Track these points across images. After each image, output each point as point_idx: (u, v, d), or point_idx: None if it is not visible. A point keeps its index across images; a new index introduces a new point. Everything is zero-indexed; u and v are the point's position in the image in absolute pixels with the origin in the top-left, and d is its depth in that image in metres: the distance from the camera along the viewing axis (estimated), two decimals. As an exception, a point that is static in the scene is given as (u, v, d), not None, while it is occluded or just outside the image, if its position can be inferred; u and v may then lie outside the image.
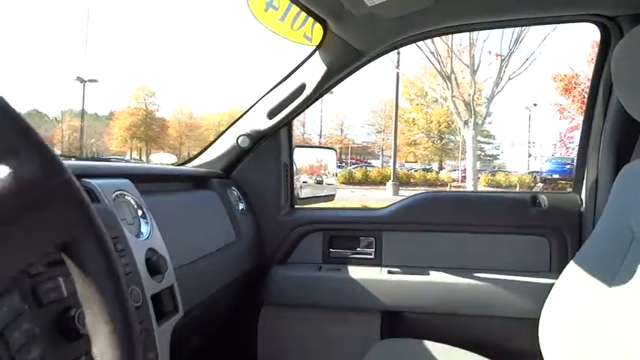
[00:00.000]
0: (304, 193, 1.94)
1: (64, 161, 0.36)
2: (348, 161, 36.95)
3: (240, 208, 1.49)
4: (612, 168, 1.32)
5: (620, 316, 0.89)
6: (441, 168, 33.59)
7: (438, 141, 32.64)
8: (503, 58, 14.20)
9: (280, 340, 1.57)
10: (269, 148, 1.57)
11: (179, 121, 37.06)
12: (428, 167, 33.32)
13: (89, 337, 0.39)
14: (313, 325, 1.55)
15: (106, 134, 36.37)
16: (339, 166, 31.21)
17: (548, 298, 1.11)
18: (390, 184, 19.43)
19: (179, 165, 1.63)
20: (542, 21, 1.39)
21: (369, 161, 37.54)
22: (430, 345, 1.23)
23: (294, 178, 1.83)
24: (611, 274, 0.97)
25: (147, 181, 1.08)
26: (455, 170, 29.45)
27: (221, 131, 1.60)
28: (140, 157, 34.68)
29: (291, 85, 1.46)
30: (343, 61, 1.39)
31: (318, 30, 1.32)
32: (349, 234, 1.60)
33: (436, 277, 1.47)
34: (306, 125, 38.47)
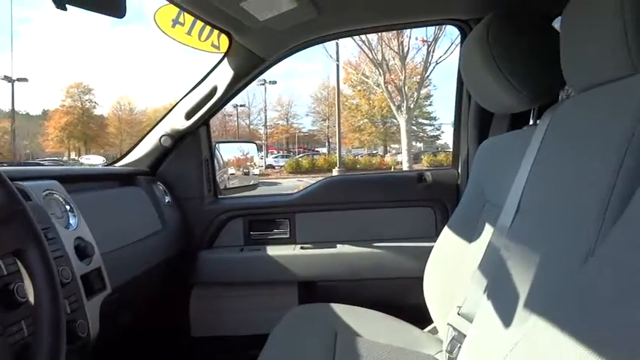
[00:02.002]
0: (232, 183, 2.14)
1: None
2: (296, 150, 37.06)
3: (167, 201, 1.66)
4: (476, 146, 1.58)
5: (476, 265, 1.07)
6: (385, 152, 34.23)
7: (381, 125, 33.27)
8: (429, 43, 14.82)
9: (212, 315, 1.76)
10: (190, 146, 1.74)
11: (119, 118, 35.78)
12: (374, 152, 33.96)
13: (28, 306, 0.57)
14: (239, 300, 1.75)
15: (41, 135, 34.61)
16: (286, 156, 31.34)
17: (429, 258, 1.36)
18: (335, 170, 19.83)
19: (108, 165, 1.77)
20: (412, 25, 1.64)
21: (316, 149, 37.81)
22: (336, 307, 1.44)
23: (222, 170, 2.02)
24: (471, 232, 1.21)
25: (75, 181, 1.24)
26: (400, 153, 30.15)
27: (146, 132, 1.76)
28: (78, 158, 33.36)
29: (205, 89, 1.64)
30: (248, 66, 1.59)
31: (225, 39, 1.50)
32: (266, 218, 1.81)
33: (342, 249, 1.71)
34: (251, 116, 38.24)
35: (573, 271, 0.62)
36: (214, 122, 37.71)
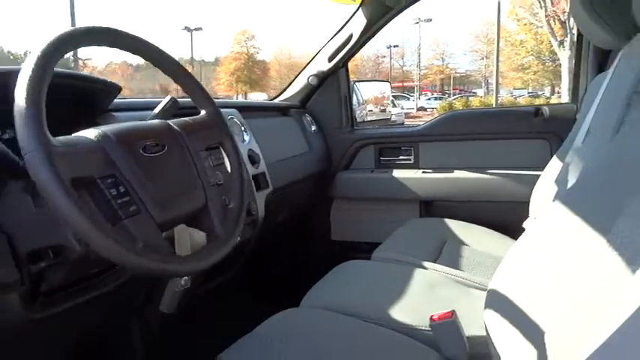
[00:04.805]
0: (370, 118, 2.52)
1: None
2: (451, 92, 35.66)
3: (313, 129, 2.07)
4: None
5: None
6: (552, 93, 30.78)
7: (550, 63, 29.80)
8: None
9: (347, 224, 2.17)
10: (332, 84, 2.11)
11: (279, 63, 38.20)
12: (538, 93, 30.93)
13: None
14: (370, 212, 2.12)
15: (214, 79, 38.79)
16: (440, 98, 30.44)
17: (535, 185, 1.53)
18: (491, 112, 18.76)
19: (271, 100, 2.24)
20: None
21: (473, 90, 35.93)
22: (450, 221, 1.73)
23: (361, 107, 2.37)
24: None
25: (248, 110, 1.69)
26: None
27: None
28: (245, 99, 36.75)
29: (343, 36, 1.97)
30: (378, 14, 1.86)
31: (360, -8, 1.80)
32: (394, 146, 2.12)
33: (458, 174, 1.95)
34: (405, 57, 37.52)
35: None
36: (367, 64, 38.06)
